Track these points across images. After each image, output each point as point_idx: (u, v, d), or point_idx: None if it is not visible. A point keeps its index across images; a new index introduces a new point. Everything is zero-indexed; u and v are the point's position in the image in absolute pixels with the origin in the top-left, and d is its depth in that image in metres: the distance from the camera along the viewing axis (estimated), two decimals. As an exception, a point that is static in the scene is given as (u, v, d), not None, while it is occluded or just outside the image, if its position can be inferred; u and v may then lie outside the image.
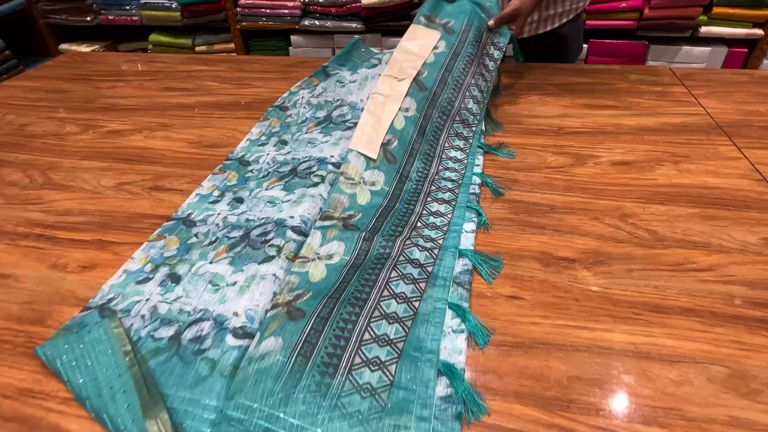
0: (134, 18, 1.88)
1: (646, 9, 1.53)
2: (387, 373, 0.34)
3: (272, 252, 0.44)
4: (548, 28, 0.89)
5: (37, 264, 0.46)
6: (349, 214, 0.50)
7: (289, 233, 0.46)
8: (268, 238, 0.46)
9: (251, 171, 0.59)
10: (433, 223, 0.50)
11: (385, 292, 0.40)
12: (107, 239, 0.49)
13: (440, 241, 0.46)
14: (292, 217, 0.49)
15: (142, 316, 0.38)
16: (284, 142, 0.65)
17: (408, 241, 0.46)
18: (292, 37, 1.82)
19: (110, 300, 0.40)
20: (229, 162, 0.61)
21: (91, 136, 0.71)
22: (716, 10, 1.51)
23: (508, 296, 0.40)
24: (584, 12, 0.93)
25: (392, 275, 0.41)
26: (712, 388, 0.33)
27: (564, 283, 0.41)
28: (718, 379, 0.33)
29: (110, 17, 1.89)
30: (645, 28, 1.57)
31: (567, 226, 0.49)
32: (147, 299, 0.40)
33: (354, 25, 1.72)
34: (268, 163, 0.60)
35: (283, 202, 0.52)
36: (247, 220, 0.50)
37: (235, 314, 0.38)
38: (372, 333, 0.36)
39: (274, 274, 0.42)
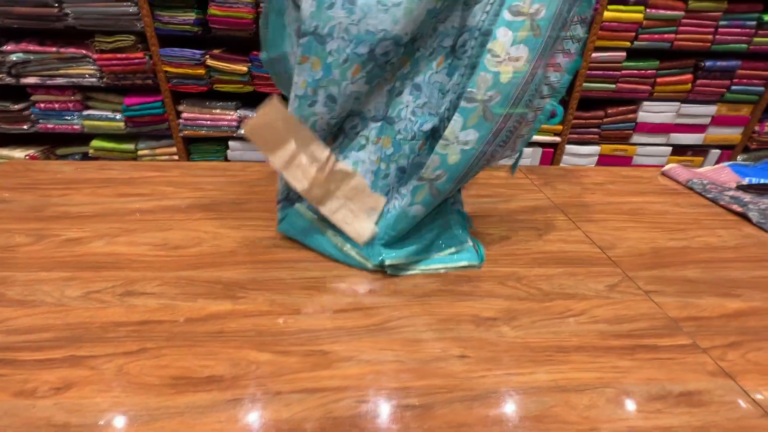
0: (75, 126, 1.68)
1: (490, 125, 1.84)
2: None
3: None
4: None
5: (-4, 394, 0.35)
6: (489, 95, 0.43)
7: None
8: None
9: (330, 53, 0.47)
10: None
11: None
12: (81, 354, 0.40)
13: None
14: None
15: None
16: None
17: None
18: (230, 143, 1.78)
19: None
20: (305, 40, 0.47)
21: (45, 245, 0.60)
22: (532, 125, 1.87)
23: (458, 356, 0.42)
24: None
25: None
26: (611, 406, 0.37)
27: (494, 339, 0.45)
28: (612, 399, 0.38)
29: (49, 126, 1.67)
30: (491, 136, 1.87)
31: (483, 291, 0.53)
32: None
33: (283, 134, 1.75)
34: (342, 37, 0.47)
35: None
36: (368, 32, 0.45)
37: None
38: None
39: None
